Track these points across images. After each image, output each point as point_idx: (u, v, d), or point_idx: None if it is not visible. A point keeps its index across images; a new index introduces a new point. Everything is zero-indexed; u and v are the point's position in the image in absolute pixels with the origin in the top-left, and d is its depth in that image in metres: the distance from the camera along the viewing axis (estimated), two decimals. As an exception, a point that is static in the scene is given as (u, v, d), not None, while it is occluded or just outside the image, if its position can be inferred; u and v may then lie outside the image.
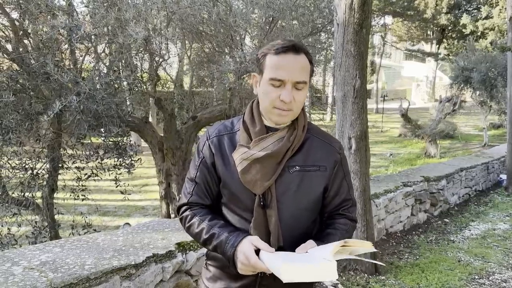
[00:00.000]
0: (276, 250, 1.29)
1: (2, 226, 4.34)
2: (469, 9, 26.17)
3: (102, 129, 4.47)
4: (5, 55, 4.31)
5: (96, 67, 4.56)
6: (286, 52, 1.25)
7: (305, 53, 1.29)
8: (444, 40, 27.92)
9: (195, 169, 1.40)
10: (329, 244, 1.20)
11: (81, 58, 4.77)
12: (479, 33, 23.73)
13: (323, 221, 1.44)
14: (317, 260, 1.12)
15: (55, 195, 4.80)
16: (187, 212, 1.39)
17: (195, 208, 1.38)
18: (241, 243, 1.24)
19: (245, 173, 1.29)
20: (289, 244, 1.30)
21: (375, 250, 1.18)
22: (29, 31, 4.44)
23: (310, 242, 1.27)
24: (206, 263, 1.48)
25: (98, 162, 4.77)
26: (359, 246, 1.16)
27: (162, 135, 5.92)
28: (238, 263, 1.23)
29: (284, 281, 1.09)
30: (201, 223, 1.34)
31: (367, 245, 1.17)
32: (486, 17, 23.25)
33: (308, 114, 7.70)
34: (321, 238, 1.32)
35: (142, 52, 5.11)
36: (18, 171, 4.30)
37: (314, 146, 1.37)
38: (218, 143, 1.37)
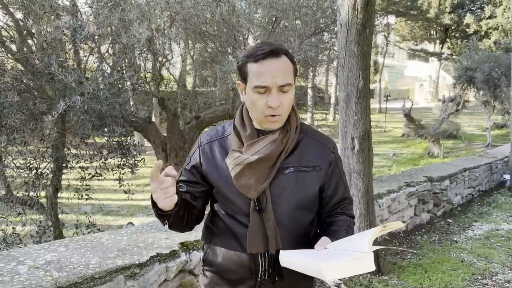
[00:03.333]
0: (276, 252, 1.29)
1: (7, 225, 4.37)
2: (472, 8, 26.12)
3: (105, 129, 4.49)
4: (9, 55, 4.33)
5: (100, 67, 4.58)
6: (265, 58, 1.23)
7: (285, 54, 1.26)
8: (448, 39, 27.86)
9: (179, 172, 1.41)
10: (359, 235, 1.19)
11: (85, 58, 4.80)
12: (482, 33, 23.70)
13: (323, 220, 1.44)
14: (354, 253, 1.11)
15: (59, 194, 4.83)
16: None
17: None
18: None
19: (238, 178, 1.28)
20: (288, 245, 1.29)
21: (403, 225, 1.19)
22: (33, 31, 4.47)
23: (325, 239, 1.26)
24: (203, 268, 1.46)
25: (102, 162, 4.79)
26: (395, 227, 1.16)
27: (165, 135, 5.94)
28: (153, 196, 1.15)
29: (327, 281, 1.09)
30: None
31: (399, 224, 1.17)
32: (490, 17, 23.21)
33: (311, 114, 7.71)
34: (328, 236, 1.30)
35: (146, 52, 5.13)
36: (23, 170, 4.32)
37: (308, 147, 1.37)
38: (209, 150, 1.37)
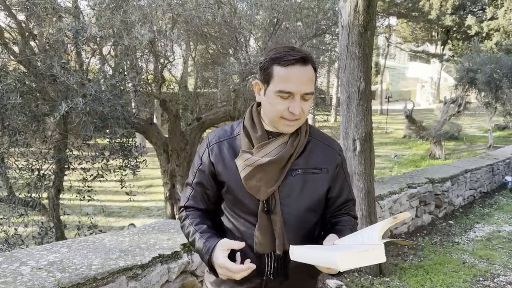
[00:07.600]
0: (283, 253, 1.31)
1: (9, 226, 4.38)
2: (474, 10, 26.09)
3: (107, 131, 4.50)
4: (12, 57, 4.35)
5: (102, 69, 4.59)
6: (294, 64, 1.24)
7: (311, 63, 1.28)
8: (449, 41, 27.82)
9: (193, 174, 1.43)
10: (368, 228, 1.21)
11: (87, 60, 4.81)
12: (484, 34, 23.66)
13: (327, 221, 1.46)
14: (365, 245, 1.13)
15: (61, 196, 4.83)
16: (182, 213, 1.44)
17: (190, 210, 1.42)
18: (214, 251, 1.27)
19: (248, 179, 1.30)
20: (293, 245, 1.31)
21: (410, 214, 1.21)
22: (36, 33, 4.49)
23: (333, 235, 1.29)
24: None
25: (104, 163, 4.80)
26: (403, 217, 1.18)
27: (167, 136, 5.95)
28: (217, 271, 1.28)
29: (341, 270, 1.12)
30: (189, 226, 1.38)
31: (406, 214, 1.20)
32: (491, 18, 23.17)
33: (312, 116, 7.73)
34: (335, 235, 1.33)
35: (148, 54, 5.14)
36: (25, 172, 4.33)
37: (315, 149, 1.39)
38: (218, 150, 1.38)
